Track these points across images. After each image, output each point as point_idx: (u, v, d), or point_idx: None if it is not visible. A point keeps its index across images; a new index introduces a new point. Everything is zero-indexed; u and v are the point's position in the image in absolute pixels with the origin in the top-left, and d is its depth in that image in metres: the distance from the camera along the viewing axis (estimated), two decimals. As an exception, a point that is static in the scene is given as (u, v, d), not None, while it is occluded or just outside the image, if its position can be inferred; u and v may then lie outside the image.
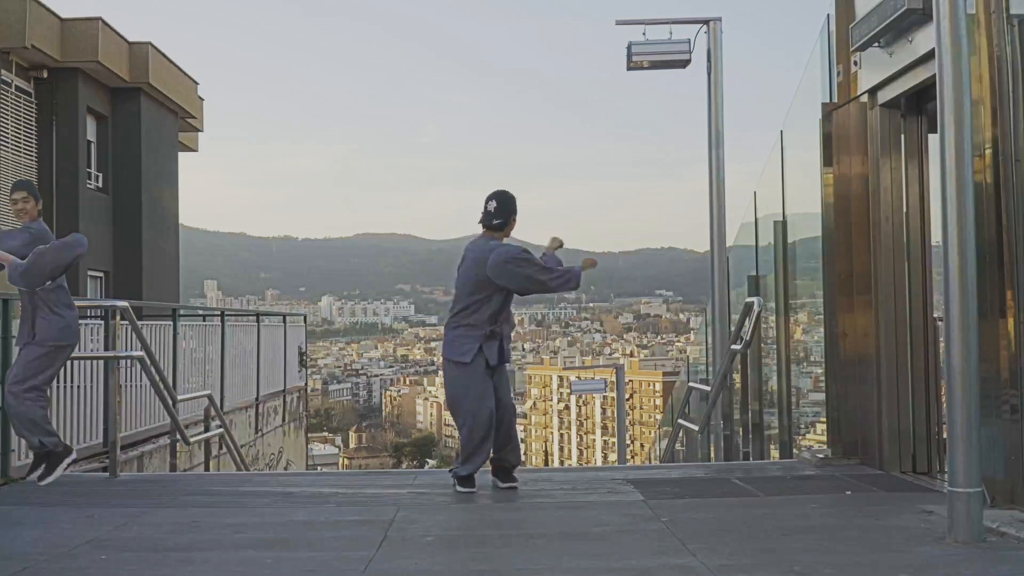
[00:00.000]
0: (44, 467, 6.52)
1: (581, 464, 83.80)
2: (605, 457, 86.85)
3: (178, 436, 9.50)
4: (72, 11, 17.78)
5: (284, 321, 16.50)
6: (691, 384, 12.43)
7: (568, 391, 56.00)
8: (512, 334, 6.60)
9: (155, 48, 19.41)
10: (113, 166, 19.21)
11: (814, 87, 7.91)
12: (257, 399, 13.92)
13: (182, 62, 21.55)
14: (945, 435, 5.22)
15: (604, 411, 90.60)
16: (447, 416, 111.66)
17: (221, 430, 10.97)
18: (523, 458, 6.25)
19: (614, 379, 25.93)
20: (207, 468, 10.63)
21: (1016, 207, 5.30)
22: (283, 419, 15.73)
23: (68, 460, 6.61)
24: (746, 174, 12.32)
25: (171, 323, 10.63)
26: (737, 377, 9.97)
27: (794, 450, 8.68)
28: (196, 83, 22.13)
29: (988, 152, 5.44)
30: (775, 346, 9.42)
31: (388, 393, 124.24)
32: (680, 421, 11.40)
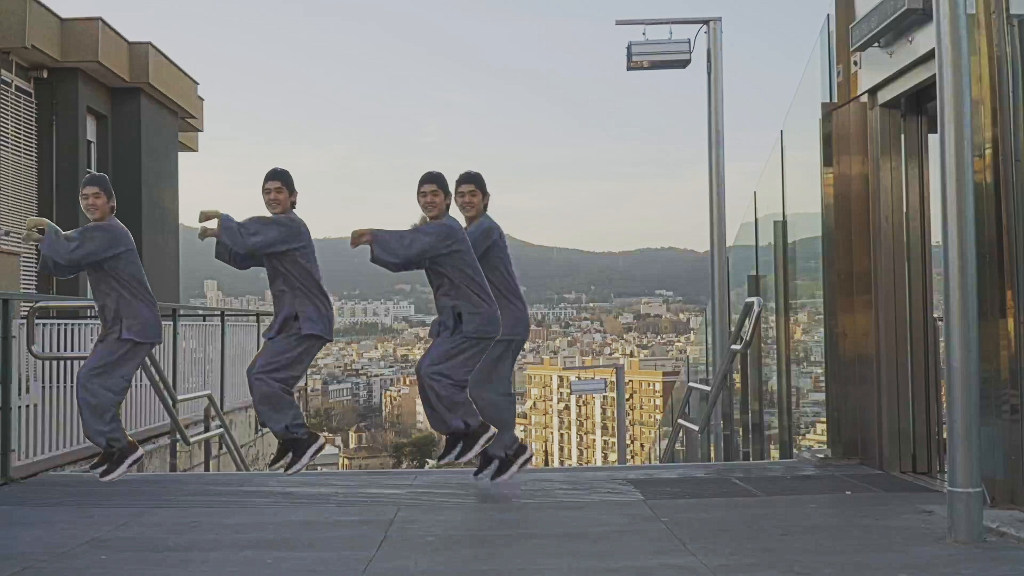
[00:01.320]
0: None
1: (581, 464, 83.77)
2: (605, 457, 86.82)
3: (178, 436, 9.50)
4: (72, 11, 17.77)
5: (284, 321, 16.46)
6: (691, 384, 12.43)
7: (568, 391, 55.98)
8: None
9: (155, 48, 19.41)
10: (113, 166, 19.20)
11: (814, 87, 7.92)
12: (257, 399, 13.89)
13: (182, 62, 21.55)
14: (945, 435, 5.22)
15: (604, 411, 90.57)
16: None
17: (221, 430, 10.97)
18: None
19: (614, 379, 25.92)
20: (207, 468, 10.63)
21: (1016, 207, 5.30)
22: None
23: (316, 446, 6.47)
24: (746, 174, 12.33)
25: (171, 323, 10.63)
26: (737, 377, 9.98)
27: (794, 450, 8.69)
28: (196, 83, 22.13)
29: (988, 152, 5.44)
30: (775, 346, 9.42)
31: (388, 393, 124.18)
32: (680, 421, 11.40)
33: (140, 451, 6.70)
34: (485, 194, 6.46)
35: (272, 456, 6.61)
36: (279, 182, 6.38)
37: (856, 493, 6.16)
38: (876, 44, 6.68)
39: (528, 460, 6.52)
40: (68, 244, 6.30)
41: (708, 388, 9.88)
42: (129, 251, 6.45)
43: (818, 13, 7.76)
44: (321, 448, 6.51)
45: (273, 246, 6.22)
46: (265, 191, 6.38)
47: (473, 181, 6.44)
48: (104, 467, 6.57)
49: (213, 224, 6.24)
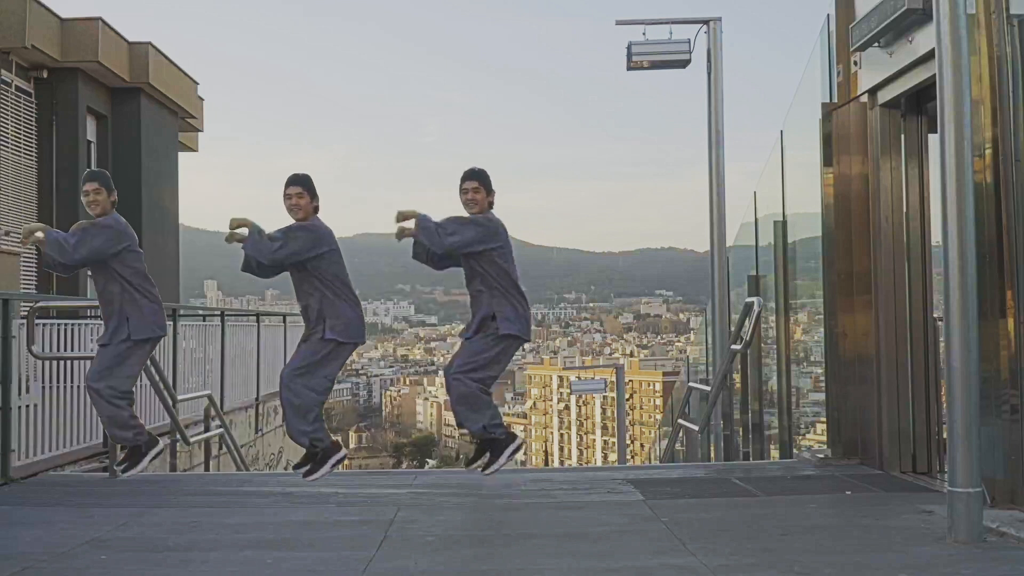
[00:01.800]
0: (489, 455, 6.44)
1: (581, 464, 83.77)
2: (605, 457, 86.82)
3: (178, 436, 9.50)
4: (72, 11, 17.77)
5: (284, 321, 16.49)
6: (691, 384, 12.43)
7: (568, 391, 56.00)
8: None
9: (155, 48, 19.42)
10: (113, 166, 19.20)
11: (814, 87, 7.92)
12: (257, 399, 13.92)
13: (182, 62, 21.56)
14: (945, 435, 5.22)
15: (604, 411, 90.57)
16: (447, 416, 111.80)
17: (221, 430, 10.97)
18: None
19: (614, 379, 25.93)
20: (207, 468, 10.63)
21: (1016, 207, 5.30)
22: (283, 419, 15.70)
23: (513, 446, 6.43)
24: (746, 174, 12.34)
25: (171, 323, 10.63)
26: (737, 377, 9.98)
27: (794, 450, 8.69)
28: (196, 83, 22.14)
29: (988, 152, 5.44)
30: (775, 346, 9.42)
31: (388, 393, 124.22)
32: (680, 421, 11.40)
33: (344, 451, 6.56)
34: (490, 191, 6.40)
35: (475, 456, 6.56)
36: (300, 187, 6.38)
37: (856, 493, 6.16)
38: (876, 44, 6.68)
39: (519, 448, 6.46)
40: (271, 244, 6.21)
41: (708, 388, 9.88)
42: (332, 251, 6.34)
43: (818, 13, 7.77)
44: (519, 447, 6.45)
45: (470, 246, 6.20)
46: (286, 196, 6.38)
47: (477, 178, 6.37)
48: (308, 467, 6.51)
49: (411, 224, 6.23)
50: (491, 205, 6.46)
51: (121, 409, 6.42)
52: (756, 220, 10.55)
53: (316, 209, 6.42)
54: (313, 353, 6.36)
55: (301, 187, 6.37)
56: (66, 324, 8.22)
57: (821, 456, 7.77)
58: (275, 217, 6.59)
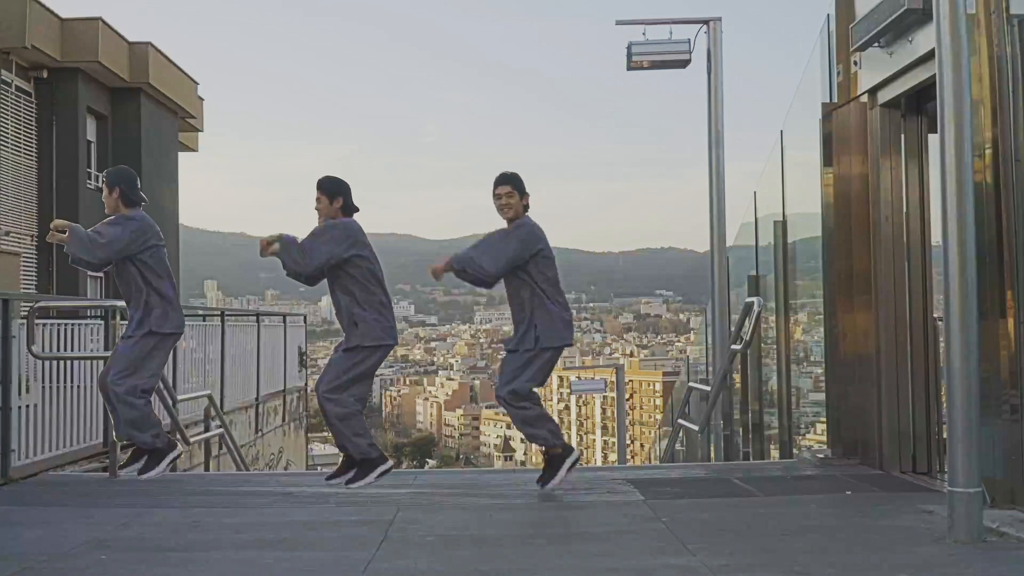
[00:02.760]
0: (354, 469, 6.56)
1: (581, 464, 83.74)
2: (605, 457, 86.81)
3: (178, 436, 9.49)
4: (72, 11, 17.80)
5: (284, 321, 16.49)
6: (691, 384, 12.42)
7: (568, 391, 55.96)
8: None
9: (155, 48, 19.44)
10: (113, 166, 19.21)
11: (814, 87, 7.92)
12: (257, 399, 13.91)
13: (182, 62, 21.60)
14: (945, 435, 5.22)
15: (604, 411, 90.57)
16: (447, 416, 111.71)
17: (221, 430, 10.97)
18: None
19: (614, 379, 25.94)
20: (207, 468, 10.63)
21: (1016, 207, 5.30)
22: (283, 419, 15.71)
23: (382, 468, 6.52)
24: (746, 174, 12.33)
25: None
26: (737, 377, 9.98)
27: (794, 450, 8.69)
28: (196, 83, 22.16)
29: (988, 152, 5.44)
30: (775, 346, 9.42)
31: (388, 393, 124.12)
32: (680, 421, 11.40)
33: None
34: (334, 199, 6.42)
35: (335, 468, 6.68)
36: (509, 186, 6.45)
37: (856, 493, 6.15)
38: (876, 44, 6.68)
39: (387, 471, 6.49)
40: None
41: (708, 388, 9.88)
42: (542, 251, 6.45)
43: (818, 13, 7.77)
44: (387, 471, 6.53)
45: (333, 258, 6.30)
46: (496, 196, 6.48)
47: (319, 188, 6.44)
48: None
49: (276, 247, 6.32)
50: (343, 211, 6.46)
51: (529, 410, 6.46)
52: (756, 220, 10.55)
53: (130, 202, 6.97)
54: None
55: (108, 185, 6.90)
56: (66, 324, 8.22)
57: (821, 456, 7.77)
58: (274, 217, 6.61)
